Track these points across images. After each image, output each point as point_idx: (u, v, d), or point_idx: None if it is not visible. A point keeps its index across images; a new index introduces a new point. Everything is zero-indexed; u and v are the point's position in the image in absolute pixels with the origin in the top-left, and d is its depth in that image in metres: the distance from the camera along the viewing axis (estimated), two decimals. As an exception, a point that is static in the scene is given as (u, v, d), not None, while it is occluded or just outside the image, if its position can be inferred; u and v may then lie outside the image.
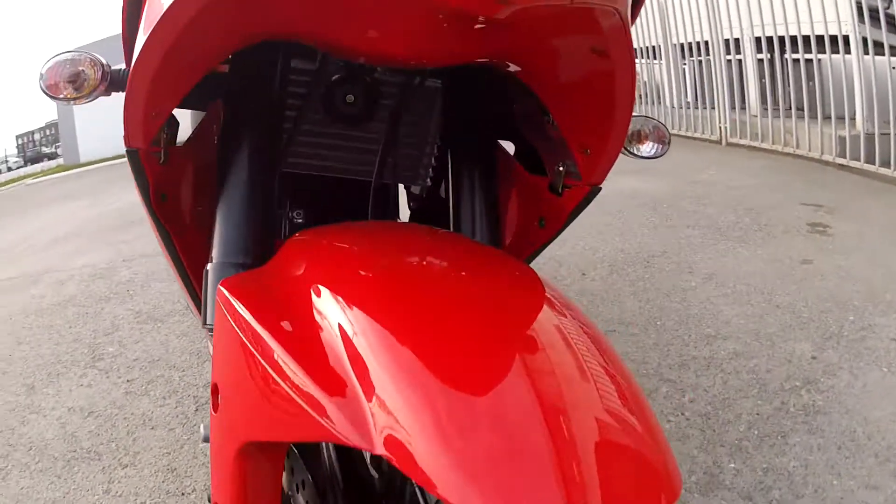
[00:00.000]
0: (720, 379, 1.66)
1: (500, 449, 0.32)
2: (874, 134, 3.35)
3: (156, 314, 2.21)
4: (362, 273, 0.46)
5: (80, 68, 0.64)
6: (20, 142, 62.03)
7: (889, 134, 3.21)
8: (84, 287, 2.54)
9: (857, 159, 3.45)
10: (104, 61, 0.66)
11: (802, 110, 3.92)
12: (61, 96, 0.65)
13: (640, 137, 0.84)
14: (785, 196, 3.25)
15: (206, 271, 0.58)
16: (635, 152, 0.84)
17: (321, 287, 0.44)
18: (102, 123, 7.79)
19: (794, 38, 3.91)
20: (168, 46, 0.51)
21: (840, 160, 3.55)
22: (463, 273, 0.48)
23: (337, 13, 0.51)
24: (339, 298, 0.42)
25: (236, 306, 0.45)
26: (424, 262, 0.51)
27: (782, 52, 4.07)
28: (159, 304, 2.31)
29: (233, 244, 0.58)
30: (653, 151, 0.84)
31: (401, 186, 0.97)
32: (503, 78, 0.69)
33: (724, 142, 4.68)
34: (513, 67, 0.63)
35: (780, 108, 4.29)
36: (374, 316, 0.40)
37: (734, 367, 1.71)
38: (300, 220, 0.89)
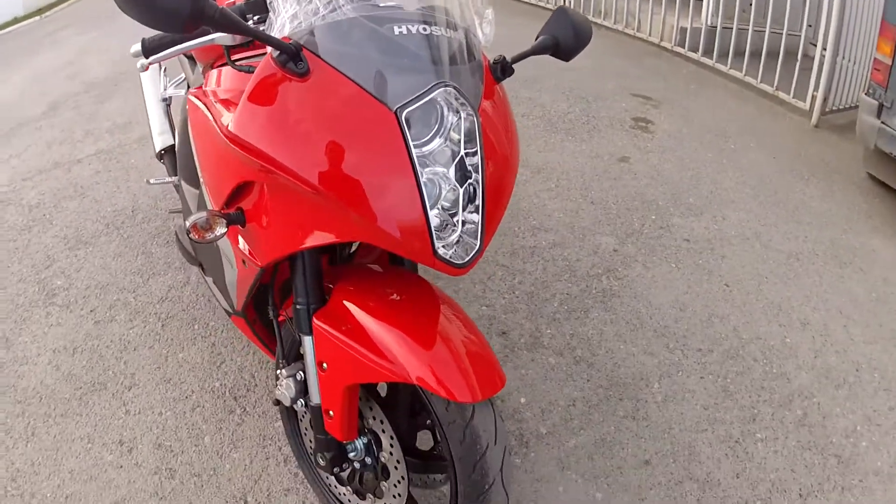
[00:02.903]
0: (541, 265, 1.99)
1: (427, 350, 0.88)
2: (716, 27, 3.54)
3: (82, 237, 2.36)
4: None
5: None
6: None
7: (731, 28, 3.42)
8: (-3, 217, 2.58)
9: (696, 50, 3.72)
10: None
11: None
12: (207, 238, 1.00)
13: None
14: (617, 84, 3.42)
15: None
16: None
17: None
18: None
19: None
20: None
21: (678, 49, 3.85)
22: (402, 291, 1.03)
23: None
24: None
25: None
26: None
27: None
28: (80, 224, 2.43)
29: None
30: None
31: None
32: None
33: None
34: None
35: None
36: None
37: (552, 255, 2.04)
38: None
